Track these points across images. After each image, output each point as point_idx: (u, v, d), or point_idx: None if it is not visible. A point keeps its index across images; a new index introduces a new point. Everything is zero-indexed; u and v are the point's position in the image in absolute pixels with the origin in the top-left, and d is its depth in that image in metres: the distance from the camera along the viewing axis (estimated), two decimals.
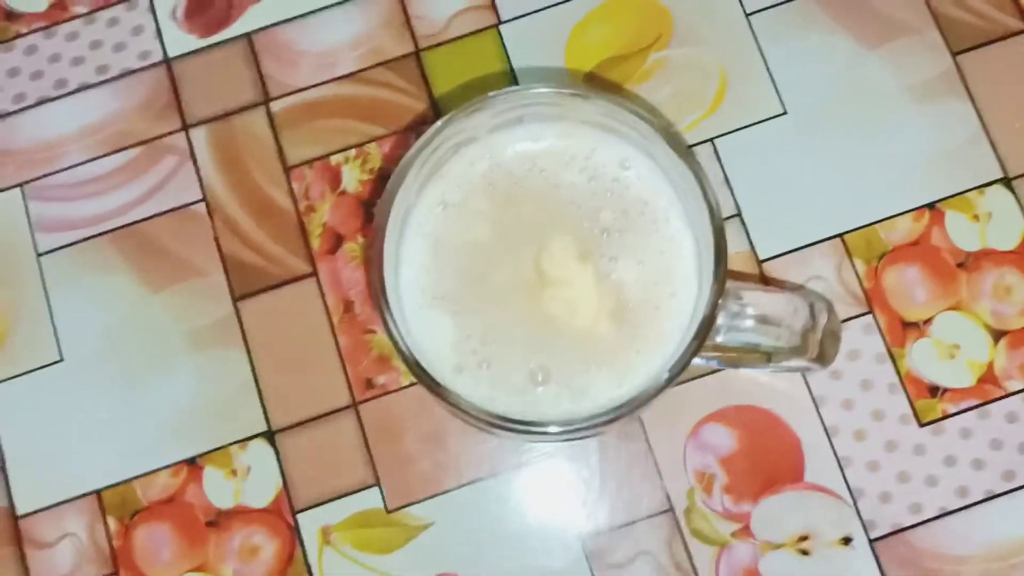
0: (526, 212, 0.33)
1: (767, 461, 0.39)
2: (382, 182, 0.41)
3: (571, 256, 0.32)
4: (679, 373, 0.29)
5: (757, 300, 0.31)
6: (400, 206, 0.31)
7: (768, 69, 0.42)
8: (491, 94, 0.32)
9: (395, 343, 0.29)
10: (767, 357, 0.33)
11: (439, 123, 0.31)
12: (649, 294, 0.32)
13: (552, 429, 0.30)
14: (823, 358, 0.32)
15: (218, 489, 0.39)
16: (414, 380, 0.38)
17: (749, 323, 0.31)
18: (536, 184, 0.33)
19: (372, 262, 0.30)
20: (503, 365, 0.31)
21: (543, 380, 0.31)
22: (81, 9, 0.44)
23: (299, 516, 0.39)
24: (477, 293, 0.32)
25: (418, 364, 0.29)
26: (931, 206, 0.41)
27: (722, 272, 0.29)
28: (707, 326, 0.29)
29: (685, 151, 0.31)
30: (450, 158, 0.33)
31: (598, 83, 0.42)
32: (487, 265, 0.32)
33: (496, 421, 0.29)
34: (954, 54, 0.42)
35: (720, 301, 0.29)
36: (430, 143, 0.31)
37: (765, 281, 0.40)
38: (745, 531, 0.38)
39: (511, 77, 0.42)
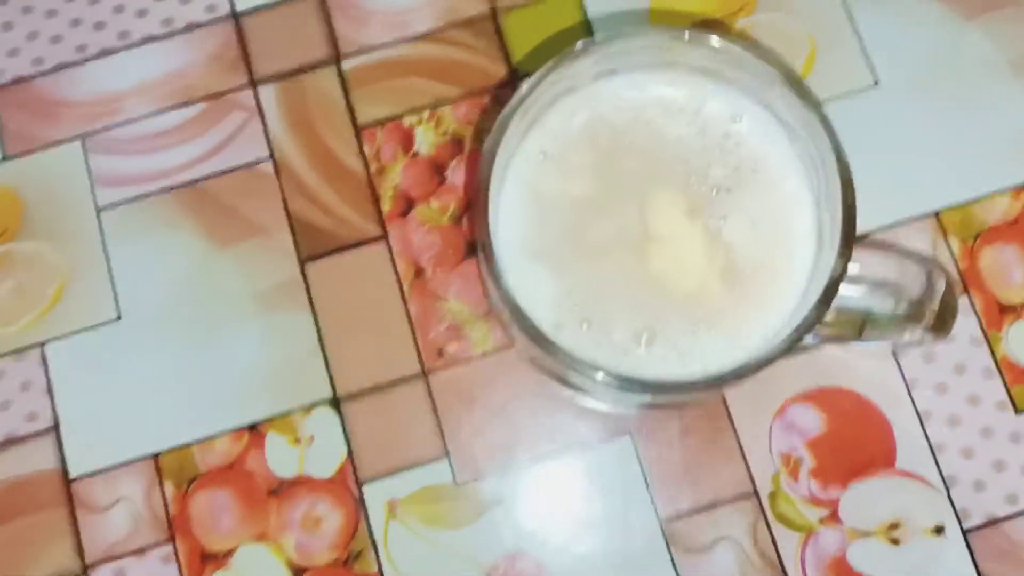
0: (630, 166, 0.31)
1: (857, 445, 0.37)
2: (456, 145, 0.40)
3: (679, 212, 0.30)
4: (803, 335, 0.27)
5: (872, 262, 0.29)
6: (502, 157, 0.29)
7: (859, 37, 0.40)
8: (595, 39, 0.30)
9: (502, 294, 0.28)
10: (873, 328, 0.32)
11: (542, 70, 0.29)
12: (762, 254, 0.30)
13: (656, 389, 0.28)
14: (942, 327, 0.30)
15: (281, 457, 0.37)
16: (486, 350, 0.37)
17: (862, 288, 0.29)
18: (641, 137, 0.31)
19: (478, 212, 0.28)
20: (605, 324, 0.30)
21: (648, 341, 0.30)
22: None
23: (364, 488, 0.37)
24: (578, 249, 0.30)
25: (525, 316, 0.27)
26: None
27: (851, 230, 0.27)
28: (835, 288, 0.27)
29: (811, 98, 0.29)
30: (548, 109, 0.31)
31: None
32: (589, 220, 0.30)
33: (600, 377, 0.27)
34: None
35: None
36: (533, 91, 0.29)
37: None
38: (833, 517, 0.37)
39: (590, 36, 0.40)
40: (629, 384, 0.27)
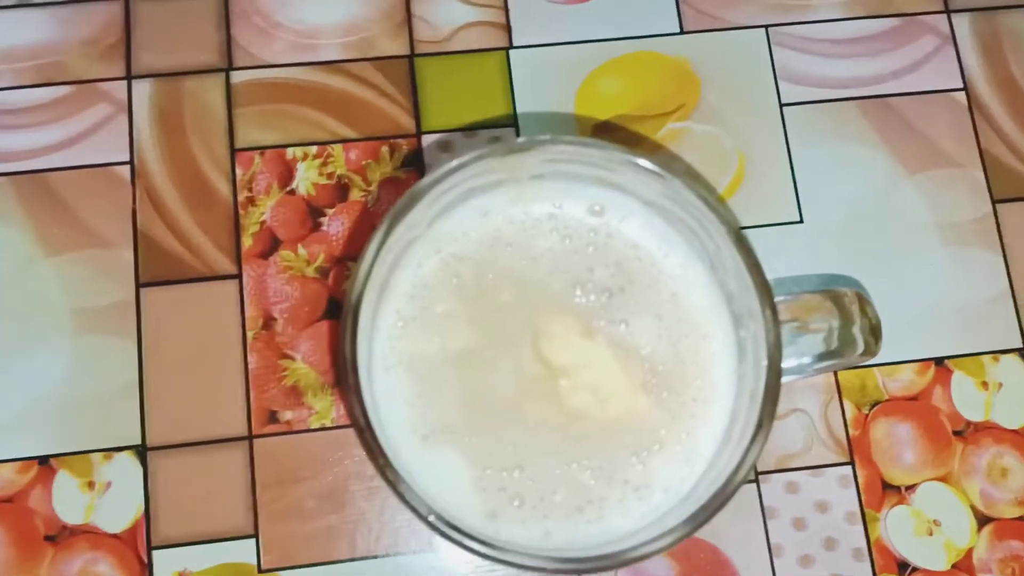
0: (507, 298, 0.29)
1: None
2: (340, 190, 0.38)
3: (575, 334, 0.28)
4: (772, 414, 0.26)
5: (791, 311, 0.30)
6: (363, 341, 0.27)
7: (792, 170, 0.40)
8: (419, 183, 0.28)
9: (411, 509, 0.26)
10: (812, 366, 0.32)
11: (380, 230, 0.28)
12: (680, 347, 0.29)
13: (637, 551, 0.26)
14: (875, 346, 0.31)
15: (68, 500, 0.35)
16: (326, 424, 0.36)
17: (787, 335, 0.29)
18: (507, 263, 0.29)
19: (356, 420, 0.26)
20: (542, 490, 0.28)
21: (598, 489, 0.28)
22: None
23: (155, 552, 0.35)
24: (480, 412, 0.28)
25: (450, 525, 0.25)
26: (939, 361, 0.39)
27: (768, 291, 0.27)
28: (779, 357, 0.27)
29: (659, 162, 0.28)
30: (394, 270, 0.30)
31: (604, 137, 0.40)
32: (481, 374, 0.28)
33: (572, 566, 0.26)
34: (994, 201, 0.40)
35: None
36: (376, 257, 0.27)
37: None
38: None
39: (511, 106, 0.40)
40: (598, 563, 0.26)
